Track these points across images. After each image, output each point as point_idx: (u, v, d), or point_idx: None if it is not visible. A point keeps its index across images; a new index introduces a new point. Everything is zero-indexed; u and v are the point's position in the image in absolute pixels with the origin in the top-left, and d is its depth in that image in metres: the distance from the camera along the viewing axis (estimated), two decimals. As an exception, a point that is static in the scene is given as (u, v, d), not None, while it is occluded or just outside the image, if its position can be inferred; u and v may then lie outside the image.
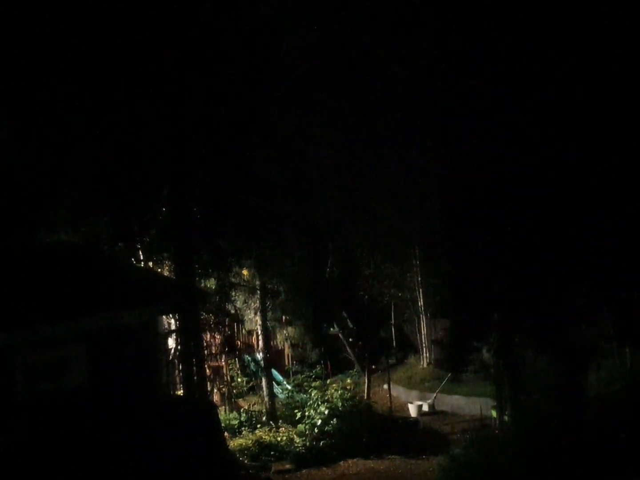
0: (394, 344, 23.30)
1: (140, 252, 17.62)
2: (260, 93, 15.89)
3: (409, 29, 15.29)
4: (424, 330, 23.10)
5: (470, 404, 18.60)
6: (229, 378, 20.81)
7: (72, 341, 11.15)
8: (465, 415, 18.54)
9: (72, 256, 13.50)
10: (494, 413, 16.25)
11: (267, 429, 17.26)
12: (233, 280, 19.68)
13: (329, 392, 17.73)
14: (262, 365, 19.65)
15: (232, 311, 19.93)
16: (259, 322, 19.85)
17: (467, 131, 14.57)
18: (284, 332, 23.20)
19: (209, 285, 18.87)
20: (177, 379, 18.62)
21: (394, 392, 20.61)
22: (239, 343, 21.65)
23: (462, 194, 15.17)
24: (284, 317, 22.58)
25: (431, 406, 19.66)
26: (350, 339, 22.12)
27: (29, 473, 9.77)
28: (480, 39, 14.35)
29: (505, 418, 15.42)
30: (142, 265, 17.61)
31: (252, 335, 23.18)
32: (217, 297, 18.58)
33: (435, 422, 18.66)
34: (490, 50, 14.23)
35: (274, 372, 21.03)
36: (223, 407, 19.43)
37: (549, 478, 10.09)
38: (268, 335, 20.47)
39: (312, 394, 17.88)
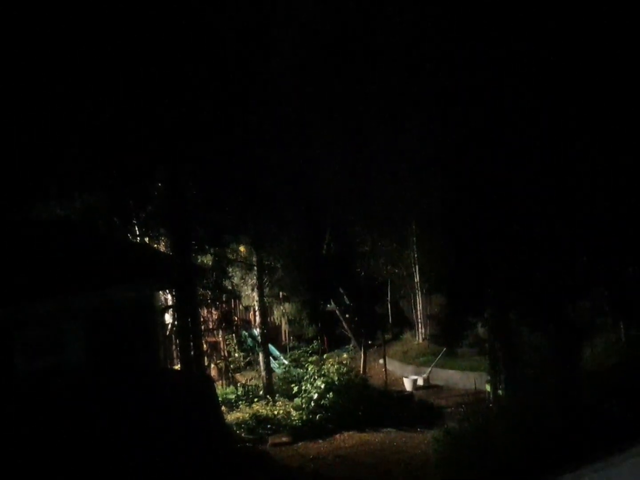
0: (390, 319, 23.42)
1: (137, 228, 17.63)
2: (259, 70, 15.80)
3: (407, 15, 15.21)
4: (419, 306, 23.24)
5: (464, 379, 18.79)
6: (226, 353, 20.95)
7: (70, 317, 11.21)
8: (459, 389, 18.73)
9: (68, 232, 13.52)
10: (488, 387, 16.40)
11: (264, 403, 17.42)
12: (230, 256, 19.73)
13: (325, 366, 17.87)
14: (259, 340, 19.78)
15: (229, 287, 19.99)
16: (256, 298, 19.93)
17: (465, 111, 14.52)
18: (281, 308, 23.31)
19: (205, 261, 18.92)
20: (175, 354, 18.76)
21: (389, 367, 20.79)
22: (236, 319, 21.75)
23: (460, 171, 15.15)
24: (281, 294, 22.68)
25: (426, 380, 19.85)
26: (346, 315, 22.24)
27: (30, 445, 9.89)
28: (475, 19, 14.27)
29: (500, 392, 15.57)
30: (139, 241, 17.63)
31: (249, 311, 23.29)
32: (214, 273, 18.64)
33: (430, 396, 18.86)
34: (487, 32, 14.15)
35: (271, 347, 21.17)
36: (220, 381, 19.59)
37: (543, 451, 10.23)
38: (265, 311, 20.57)
39: (309, 369, 18.03)
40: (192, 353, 16.10)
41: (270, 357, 20.03)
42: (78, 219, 15.81)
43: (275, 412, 16.69)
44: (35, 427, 10.09)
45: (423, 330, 23.15)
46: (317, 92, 16.42)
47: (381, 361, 20.86)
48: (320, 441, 15.67)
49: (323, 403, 16.72)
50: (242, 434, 15.73)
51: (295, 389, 17.70)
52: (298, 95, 16.29)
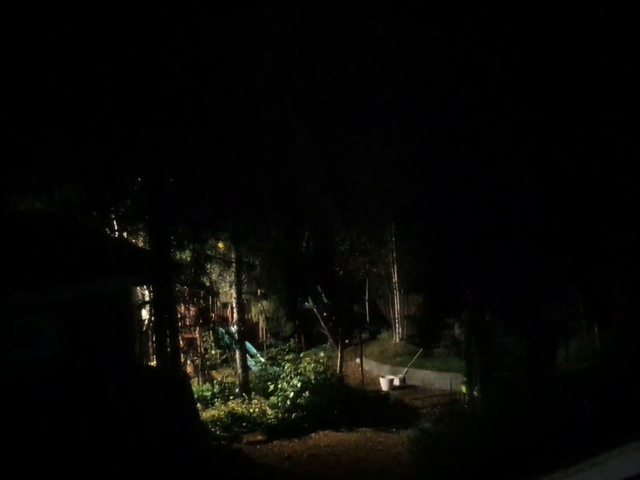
0: (368, 319, 23.49)
1: (115, 222, 17.46)
2: (239, 64, 15.73)
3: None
4: (397, 306, 23.34)
5: (440, 379, 18.90)
6: (202, 350, 20.85)
7: (44, 310, 11.09)
8: (435, 389, 18.83)
9: (45, 225, 13.36)
10: (463, 388, 16.52)
11: (239, 401, 17.36)
12: (208, 252, 19.63)
13: (302, 365, 17.87)
14: (236, 337, 19.70)
15: (207, 284, 19.90)
16: (234, 295, 19.85)
17: (443, 110, 14.57)
18: (259, 305, 23.25)
19: (184, 257, 18.80)
20: (151, 350, 18.61)
21: (366, 367, 20.84)
22: (213, 315, 21.66)
23: (438, 172, 15.22)
24: (259, 291, 22.63)
25: (402, 380, 19.94)
26: (324, 314, 22.26)
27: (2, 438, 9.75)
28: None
29: (475, 393, 15.68)
30: (117, 235, 17.46)
31: (227, 308, 23.20)
32: (192, 270, 18.53)
33: (406, 396, 18.94)
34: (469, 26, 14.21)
35: (248, 344, 21.11)
36: (196, 378, 19.49)
37: (516, 451, 10.32)
38: (243, 308, 20.51)
39: (285, 367, 18.02)
40: (168, 349, 15.97)
41: (247, 355, 19.97)
42: (56, 212, 15.61)
43: (251, 410, 16.65)
44: (7, 420, 9.95)
45: (400, 331, 23.25)
46: (297, 88, 16.39)
47: (358, 360, 20.90)
48: (296, 440, 15.65)
49: (299, 402, 16.71)
50: (217, 432, 15.65)
51: (272, 387, 17.66)
52: (278, 91, 16.25)
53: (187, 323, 20.61)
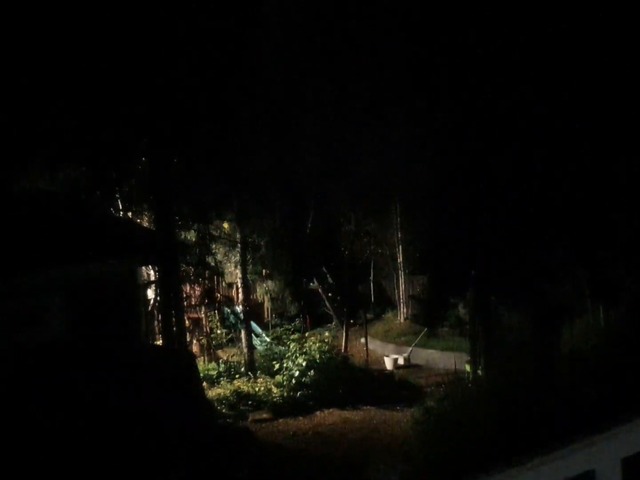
0: (372, 299, 23.53)
1: (119, 202, 17.47)
2: (243, 41, 15.61)
3: None
4: (402, 287, 23.36)
5: (445, 358, 18.95)
6: (208, 329, 20.95)
7: (50, 291, 11.12)
8: (439, 369, 18.87)
9: (49, 205, 13.36)
10: (467, 367, 16.58)
11: (245, 380, 17.47)
12: (213, 233, 19.65)
13: (307, 344, 17.94)
14: (242, 317, 19.78)
15: (212, 264, 19.93)
16: (239, 275, 19.90)
17: (450, 92, 14.49)
18: (264, 285, 23.31)
19: (189, 238, 18.83)
20: (157, 330, 18.72)
21: (371, 346, 20.92)
22: (218, 295, 21.71)
23: (444, 153, 15.16)
24: (264, 271, 22.67)
25: (407, 360, 20.01)
26: (329, 294, 22.30)
27: (10, 418, 9.85)
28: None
29: (479, 372, 15.75)
30: (121, 215, 17.47)
31: (232, 288, 23.27)
32: (197, 250, 18.57)
33: (410, 375, 19.01)
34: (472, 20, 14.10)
35: (254, 324, 21.20)
36: (202, 357, 19.61)
37: (520, 431, 10.38)
38: (248, 288, 20.57)
39: (291, 347, 18.09)
40: (174, 329, 16.09)
41: (252, 334, 20.07)
42: (60, 192, 15.62)
43: (257, 389, 16.76)
44: (15, 401, 10.05)
45: (405, 311, 23.30)
46: (302, 70, 16.27)
47: (363, 340, 20.98)
48: (301, 418, 15.78)
49: (304, 380, 16.81)
50: (223, 410, 15.79)
51: (277, 366, 17.76)
52: (282, 73, 16.14)
53: (193, 303, 20.70)
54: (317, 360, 17.24)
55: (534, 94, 13.70)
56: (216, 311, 21.17)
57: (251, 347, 19.04)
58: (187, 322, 19.05)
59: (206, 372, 17.93)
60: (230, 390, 16.52)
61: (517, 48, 13.66)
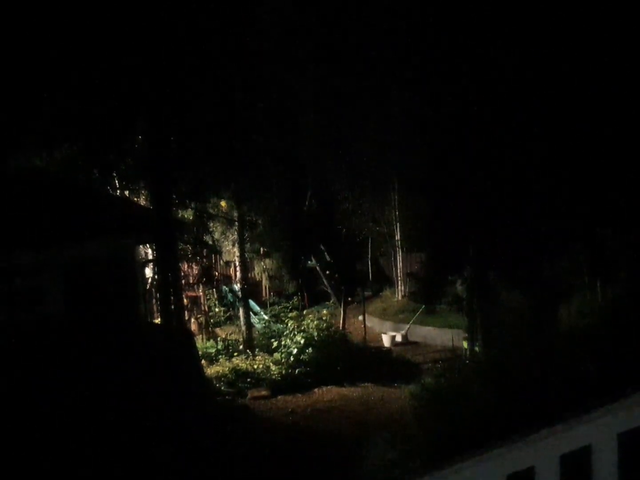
0: (370, 277, 23.58)
1: (116, 181, 17.38)
2: (240, 19, 15.42)
3: None
4: (399, 264, 23.41)
5: (442, 335, 19.06)
6: (206, 308, 21.01)
7: (48, 270, 11.13)
8: (437, 345, 19.01)
9: (46, 184, 13.30)
10: (465, 344, 16.65)
11: (243, 357, 17.57)
12: (211, 211, 19.60)
13: (305, 322, 18.02)
14: (240, 295, 19.83)
15: (210, 242, 19.93)
16: (237, 253, 19.91)
17: (449, 73, 14.36)
18: (262, 264, 23.35)
19: (186, 216, 18.78)
20: (155, 308, 18.77)
21: (368, 323, 21.01)
22: (216, 274, 21.76)
23: (442, 129, 15.07)
24: (262, 249, 22.68)
25: (404, 337, 20.12)
26: (327, 272, 22.33)
27: (10, 397, 9.90)
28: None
29: (476, 349, 15.82)
30: (118, 194, 17.41)
31: (230, 267, 23.32)
32: (195, 228, 18.53)
33: (407, 352, 19.13)
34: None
35: (252, 302, 21.26)
36: (200, 335, 19.69)
37: (517, 406, 10.45)
38: (246, 266, 20.59)
39: (289, 324, 18.17)
40: (172, 307, 16.10)
41: (251, 312, 20.14)
42: (57, 171, 15.53)
43: (255, 367, 16.85)
44: (15, 379, 10.09)
45: (402, 288, 23.36)
46: (300, 48, 16.10)
47: (360, 318, 21.06)
48: (299, 395, 15.89)
49: (302, 358, 16.91)
50: (222, 388, 15.89)
51: (275, 344, 17.85)
52: (281, 51, 15.97)
53: (191, 281, 20.74)
54: (315, 338, 17.33)
55: (538, 70, 13.60)
56: (214, 289, 21.23)
57: (249, 325, 19.10)
58: (185, 300, 19.08)
59: (205, 350, 18.02)
60: (229, 368, 16.61)
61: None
